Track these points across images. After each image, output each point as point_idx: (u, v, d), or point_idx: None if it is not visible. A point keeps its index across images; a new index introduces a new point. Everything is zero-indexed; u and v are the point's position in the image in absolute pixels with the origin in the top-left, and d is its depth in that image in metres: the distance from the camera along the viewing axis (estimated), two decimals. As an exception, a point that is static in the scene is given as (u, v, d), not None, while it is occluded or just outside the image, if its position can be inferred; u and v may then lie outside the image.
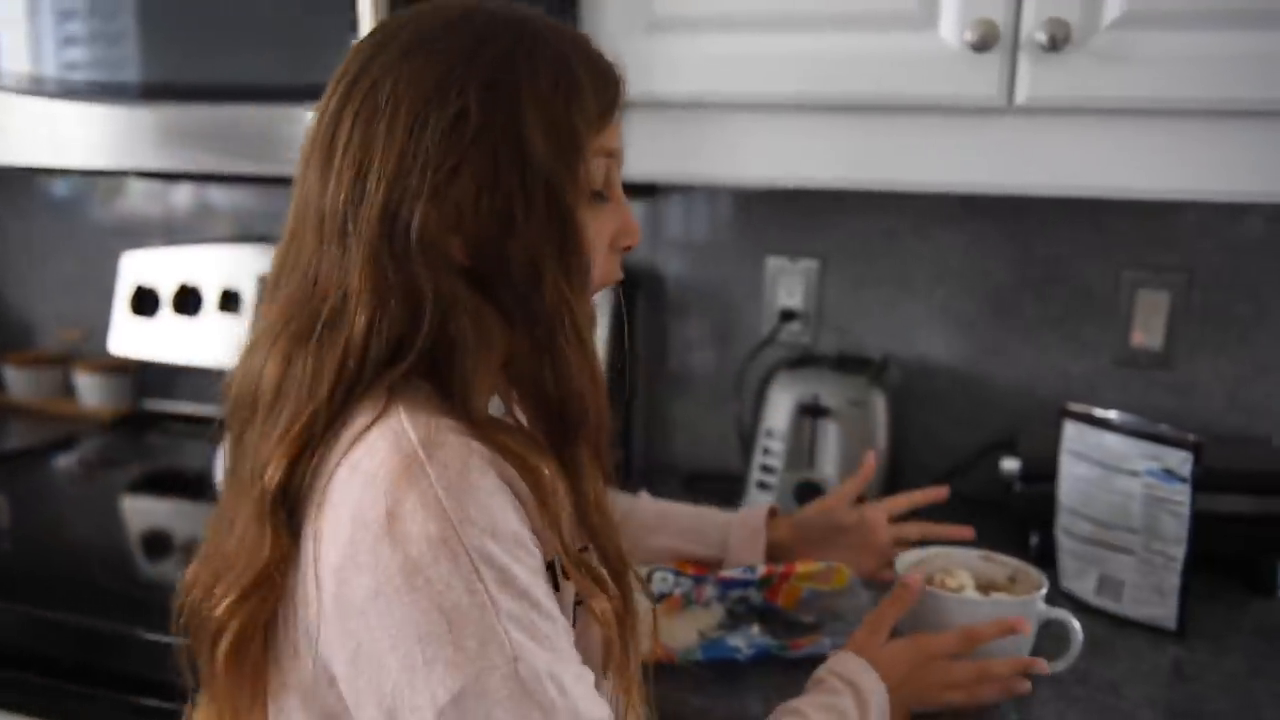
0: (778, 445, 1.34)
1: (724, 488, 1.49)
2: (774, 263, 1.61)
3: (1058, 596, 1.21)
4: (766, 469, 1.35)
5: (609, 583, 0.71)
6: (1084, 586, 1.18)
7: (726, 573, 1.05)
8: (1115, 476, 1.13)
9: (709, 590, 1.05)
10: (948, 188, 1.25)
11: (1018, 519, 1.35)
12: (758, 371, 1.53)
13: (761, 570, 1.04)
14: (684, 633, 1.03)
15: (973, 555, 1.04)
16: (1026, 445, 1.35)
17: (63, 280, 1.98)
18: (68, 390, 1.93)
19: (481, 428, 0.66)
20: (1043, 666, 0.92)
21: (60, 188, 1.95)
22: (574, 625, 0.69)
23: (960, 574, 1.01)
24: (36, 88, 1.34)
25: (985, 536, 1.36)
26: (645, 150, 1.33)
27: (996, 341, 1.54)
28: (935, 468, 1.55)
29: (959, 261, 1.54)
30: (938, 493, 1.13)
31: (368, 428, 0.65)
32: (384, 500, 0.61)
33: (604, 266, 0.75)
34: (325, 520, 0.64)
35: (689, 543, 1.11)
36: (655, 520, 1.13)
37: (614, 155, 0.74)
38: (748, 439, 1.42)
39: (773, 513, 1.14)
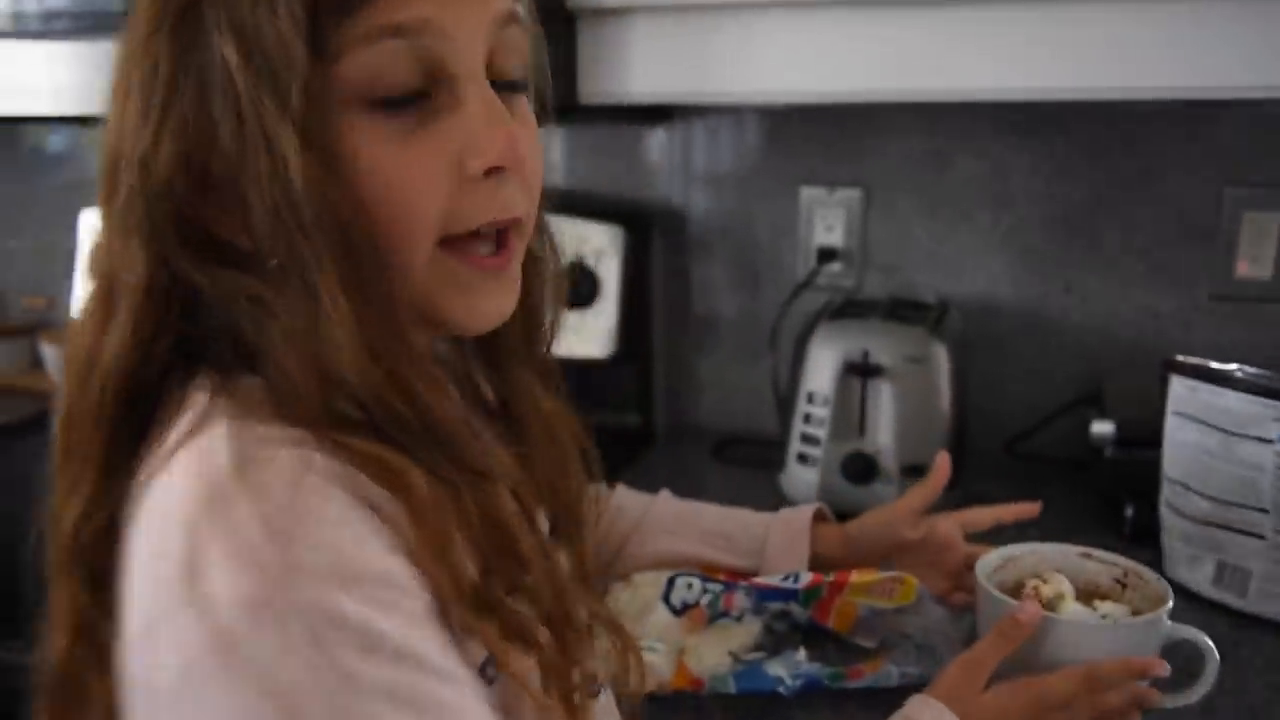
0: (821, 411, 1.14)
1: (759, 454, 1.30)
2: (809, 194, 1.39)
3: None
4: (808, 439, 1.15)
5: (534, 630, 0.52)
6: (1197, 576, 0.98)
7: (763, 579, 0.86)
8: (1239, 444, 0.92)
9: (740, 599, 0.85)
10: (1009, 94, 1.05)
11: (1107, 489, 1.14)
12: (794, 320, 1.32)
13: (807, 579, 0.85)
14: (712, 653, 0.84)
15: (1070, 553, 0.84)
16: (1117, 402, 1.14)
17: (26, 246, 1.81)
18: (36, 362, 1.77)
19: (325, 430, 0.48)
20: (1156, 698, 0.73)
21: (23, 146, 1.77)
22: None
23: (1056, 580, 0.81)
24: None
25: (1068, 511, 1.17)
26: (652, 66, 1.13)
27: (1071, 276, 1.32)
28: (1006, 429, 1.34)
29: (1025, 183, 1.31)
30: (1029, 509, 0.92)
31: (177, 447, 0.48)
32: (181, 549, 0.44)
33: (447, 203, 0.52)
34: (124, 577, 0.47)
35: (716, 549, 0.92)
36: (675, 522, 0.94)
37: (418, 31, 0.50)
38: (785, 400, 1.22)
39: (819, 516, 0.94)
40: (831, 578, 0.85)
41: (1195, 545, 0.98)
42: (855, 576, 0.84)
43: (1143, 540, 1.07)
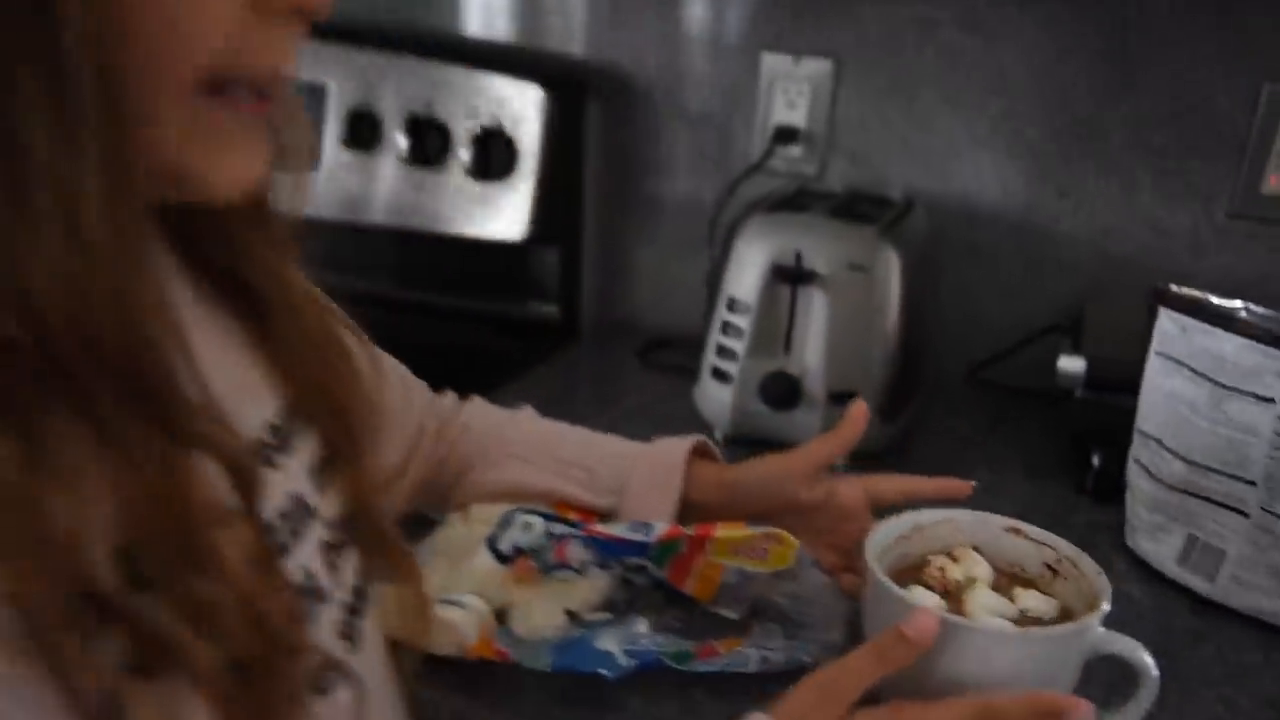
0: (741, 320, 0.96)
1: (691, 361, 1.12)
2: (771, 62, 1.19)
3: (1118, 557, 0.84)
4: (725, 352, 0.97)
5: (187, 644, 0.35)
6: (1161, 550, 0.81)
7: (606, 527, 0.69)
8: (1230, 400, 0.74)
9: (577, 551, 0.69)
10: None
11: (1074, 433, 0.97)
12: (741, 208, 1.13)
13: (661, 530, 0.68)
14: (545, 611, 0.68)
15: (994, 526, 0.67)
16: (1095, 335, 0.95)
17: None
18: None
19: None
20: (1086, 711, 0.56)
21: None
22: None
23: (970, 560, 0.64)
24: None
25: (1028, 454, 1.00)
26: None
27: (1066, 179, 1.12)
28: (972, 353, 1.16)
29: (1022, 65, 1.10)
30: (958, 486, 0.73)
31: None
32: None
33: (225, 42, 0.37)
34: None
35: (573, 483, 0.75)
36: (529, 448, 0.76)
37: None
38: (711, 300, 1.04)
39: (702, 452, 0.76)
40: (691, 531, 0.68)
41: (1163, 514, 0.80)
42: (720, 531, 0.67)
43: (1107, 498, 0.90)
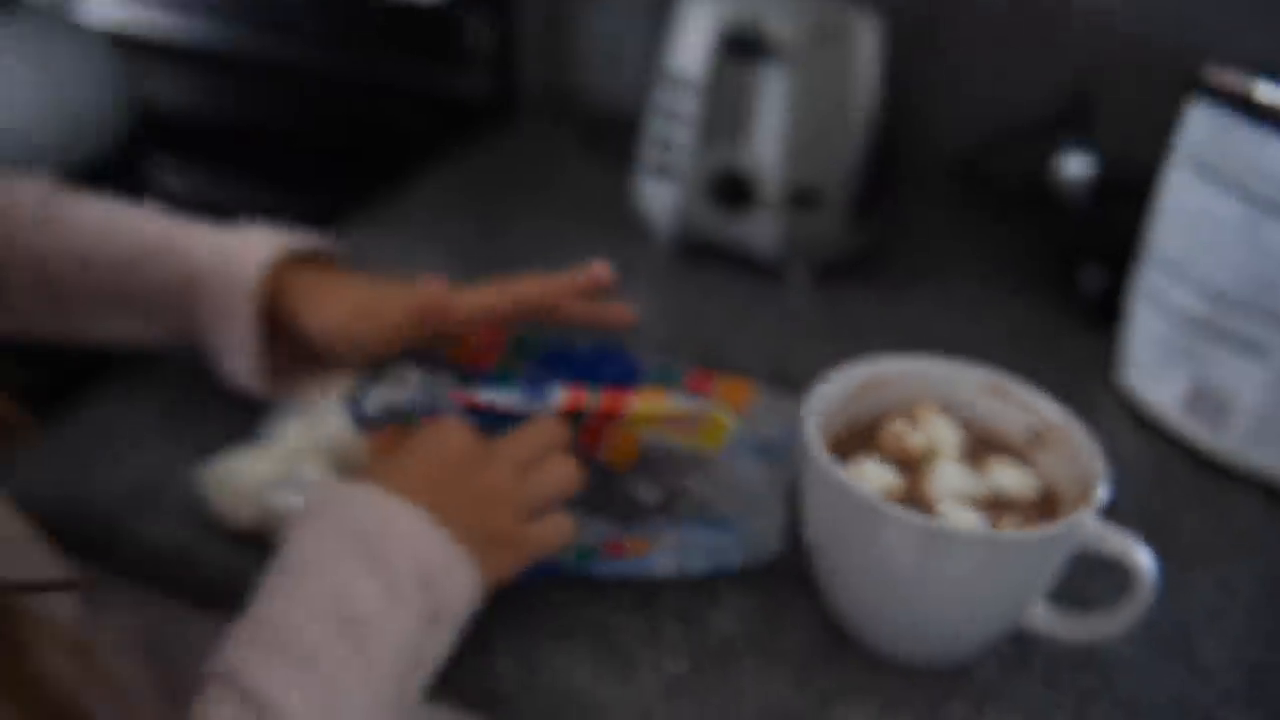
0: (687, 103, 0.80)
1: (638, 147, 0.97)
2: None
3: (1108, 397, 0.72)
4: (668, 142, 0.82)
5: None
6: (1161, 395, 0.69)
7: (494, 392, 0.55)
8: (1268, 222, 0.60)
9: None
10: None
11: (1069, 244, 0.83)
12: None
13: (556, 399, 0.54)
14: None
15: (966, 382, 0.54)
16: (1106, 127, 0.80)
17: None
18: None
19: None
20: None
21: None
22: None
23: (936, 424, 0.52)
24: None
25: (1015, 266, 0.86)
26: None
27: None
28: (955, 145, 1.00)
29: None
30: (588, 276, 0.60)
31: None
32: None
33: None
34: None
35: (130, 307, 0.61)
36: (85, 245, 0.61)
37: None
38: (651, 78, 0.87)
39: (300, 262, 0.62)
40: (598, 404, 0.54)
41: (1170, 353, 0.68)
42: (639, 403, 0.54)
43: (1101, 324, 0.77)
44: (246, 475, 0.54)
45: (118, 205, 0.64)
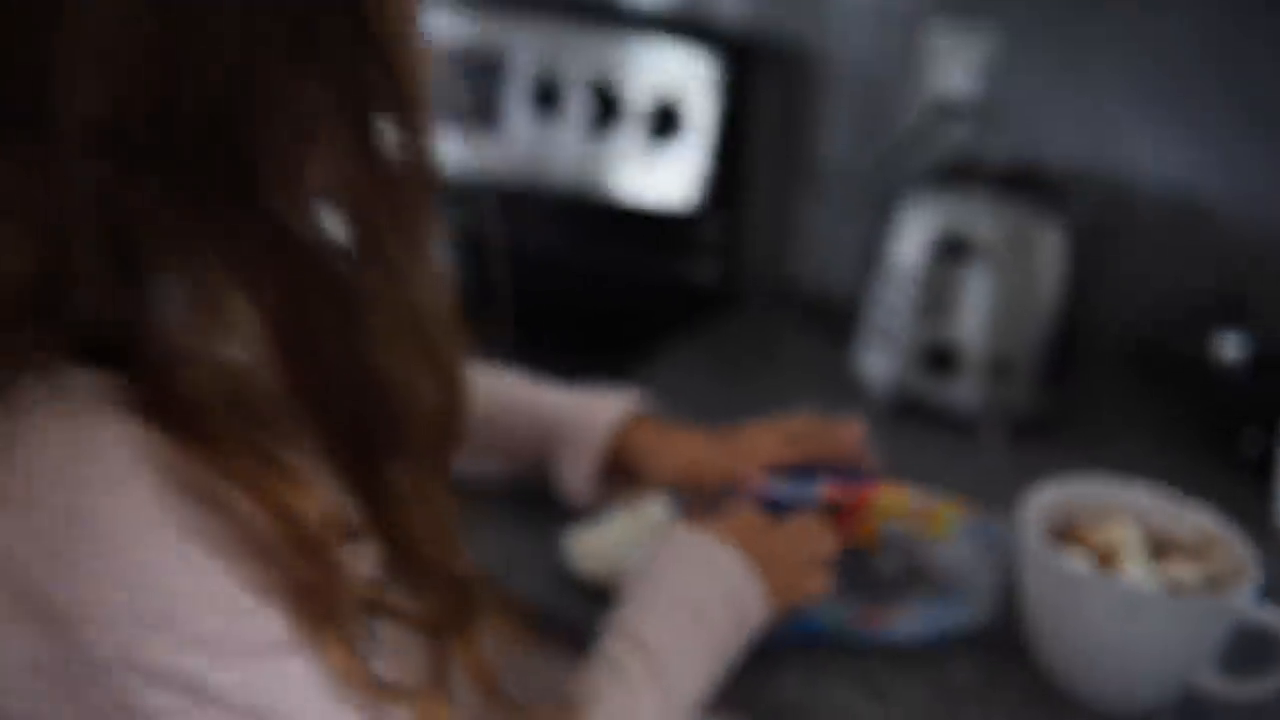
0: (904, 290, 1.01)
1: (852, 324, 1.16)
2: (938, 30, 1.21)
3: (1267, 540, 0.86)
4: (886, 320, 1.02)
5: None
6: (1314, 532, 0.83)
7: (772, 483, 0.75)
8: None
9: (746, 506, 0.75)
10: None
11: (1229, 414, 0.98)
12: (904, 176, 1.17)
13: (821, 492, 0.74)
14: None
15: (1146, 497, 0.71)
16: (1262, 311, 0.97)
17: None
18: None
19: (181, 424, 0.36)
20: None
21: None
22: None
23: (1123, 527, 0.69)
24: None
25: (1182, 428, 1.02)
26: None
27: (1238, 153, 1.11)
28: (1127, 328, 1.17)
29: (1196, 38, 1.10)
30: (853, 430, 0.81)
31: None
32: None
33: None
34: None
35: (496, 449, 0.84)
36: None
37: None
38: (873, 269, 1.09)
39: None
40: (852, 497, 0.73)
41: (1318, 497, 0.83)
42: (884, 497, 0.73)
43: (1262, 480, 0.92)
44: (598, 543, 0.75)
45: (483, 366, 0.88)
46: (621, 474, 0.83)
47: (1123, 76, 1.14)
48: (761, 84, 1.30)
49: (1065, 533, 0.70)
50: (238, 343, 0.39)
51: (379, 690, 0.40)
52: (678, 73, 1.22)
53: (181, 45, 0.34)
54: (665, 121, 1.22)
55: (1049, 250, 0.98)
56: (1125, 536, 0.68)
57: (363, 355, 0.39)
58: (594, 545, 0.76)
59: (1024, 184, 1.05)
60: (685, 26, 1.30)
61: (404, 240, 0.40)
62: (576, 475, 0.81)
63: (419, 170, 0.40)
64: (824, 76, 1.29)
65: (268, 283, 0.37)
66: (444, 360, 0.43)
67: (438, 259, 0.43)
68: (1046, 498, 0.70)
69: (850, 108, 1.29)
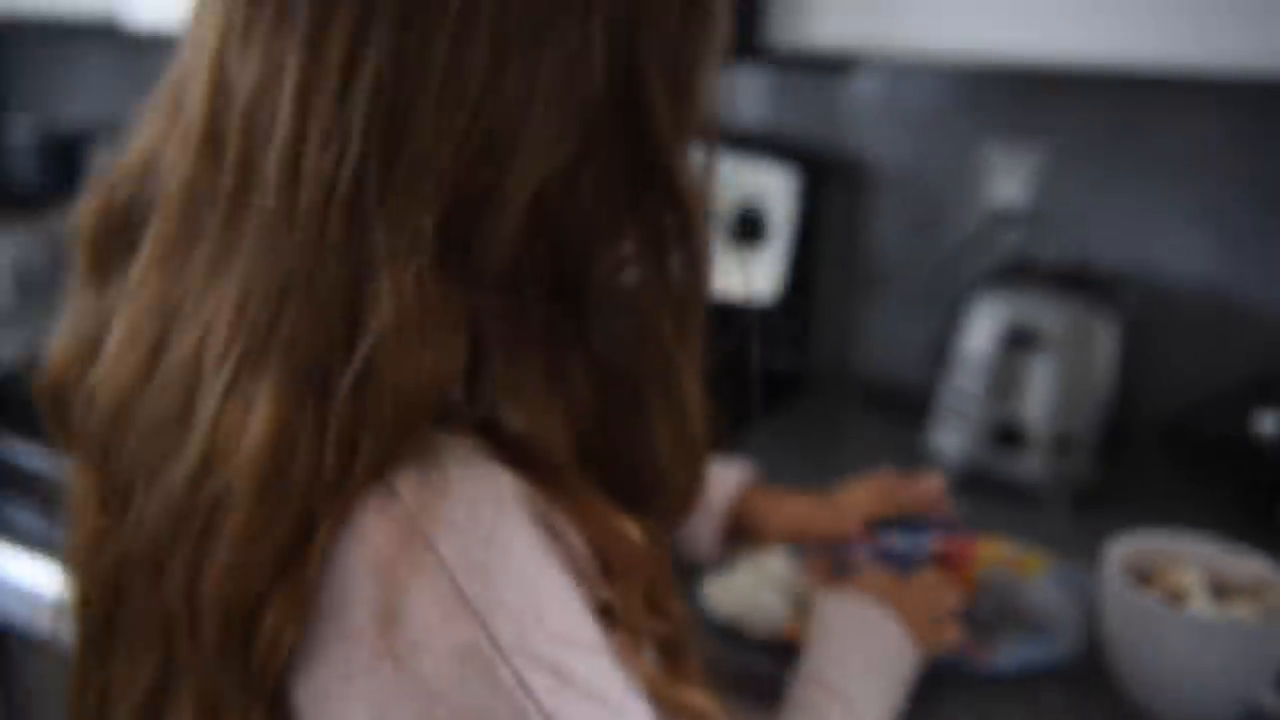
0: (974, 376, 1.14)
1: (911, 410, 1.30)
2: (991, 148, 1.37)
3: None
4: (959, 402, 1.15)
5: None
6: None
7: (881, 541, 0.88)
8: None
9: (864, 555, 0.88)
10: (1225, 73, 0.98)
11: (1267, 487, 1.11)
12: (964, 277, 1.31)
13: (932, 545, 0.86)
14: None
15: (1210, 547, 0.83)
16: (1292, 396, 1.10)
17: None
18: None
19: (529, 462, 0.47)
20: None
21: None
22: None
23: (1188, 571, 0.81)
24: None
25: (1225, 500, 1.14)
26: (841, 15, 1.12)
27: (1268, 252, 1.25)
28: (1170, 409, 1.30)
29: (1229, 147, 1.25)
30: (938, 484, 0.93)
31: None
32: (372, 600, 0.42)
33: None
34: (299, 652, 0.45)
35: None
36: None
37: None
38: (942, 358, 1.22)
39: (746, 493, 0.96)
40: (956, 540, 0.86)
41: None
42: (984, 550, 0.86)
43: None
44: (735, 590, 0.87)
45: None
46: (740, 534, 0.96)
47: (1158, 184, 1.29)
48: (833, 195, 1.45)
49: (1139, 578, 0.82)
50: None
51: (668, 685, 0.49)
52: (763, 184, 1.37)
53: (566, 211, 0.48)
54: (750, 227, 1.37)
55: (1103, 339, 1.11)
56: (1191, 579, 0.80)
57: (643, 438, 0.51)
58: (727, 594, 0.88)
59: (1077, 282, 1.19)
60: (766, 142, 1.46)
61: (682, 346, 0.52)
62: (704, 537, 0.94)
63: (697, 287, 0.52)
64: (885, 188, 1.44)
65: (578, 381, 0.50)
66: (700, 450, 0.54)
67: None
68: (1124, 547, 0.82)
69: (910, 216, 1.44)
